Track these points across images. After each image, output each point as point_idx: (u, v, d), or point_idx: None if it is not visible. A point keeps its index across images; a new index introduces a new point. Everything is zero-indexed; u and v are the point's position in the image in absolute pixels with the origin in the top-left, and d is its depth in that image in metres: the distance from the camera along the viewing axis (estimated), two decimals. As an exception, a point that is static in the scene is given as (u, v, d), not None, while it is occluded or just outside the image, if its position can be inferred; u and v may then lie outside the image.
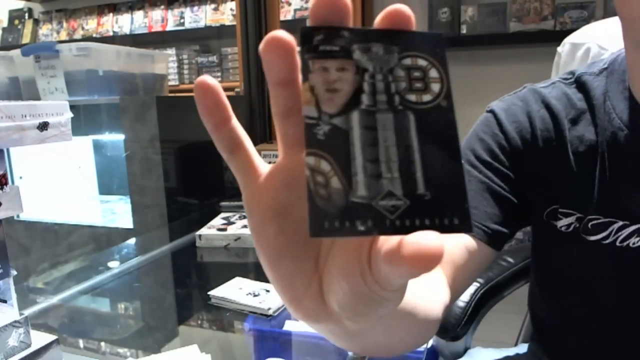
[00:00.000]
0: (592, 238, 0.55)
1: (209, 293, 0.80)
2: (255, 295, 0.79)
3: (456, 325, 0.77)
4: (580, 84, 0.58)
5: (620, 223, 0.54)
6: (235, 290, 0.81)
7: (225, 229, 1.10)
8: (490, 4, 2.03)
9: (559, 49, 0.92)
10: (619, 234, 0.54)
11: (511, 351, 0.78)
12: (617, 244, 0.54)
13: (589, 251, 0.56)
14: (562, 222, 0.57)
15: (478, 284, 0.82)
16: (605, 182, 0.54)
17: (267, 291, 0.80)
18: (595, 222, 0.55)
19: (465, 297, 0.80)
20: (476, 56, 2.10)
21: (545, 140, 0.57)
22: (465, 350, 0.80)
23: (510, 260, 0.87)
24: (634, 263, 0.54)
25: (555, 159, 0.57)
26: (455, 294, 0.54)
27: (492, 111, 0.60)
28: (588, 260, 0.57)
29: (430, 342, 0.67)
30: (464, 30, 2.06)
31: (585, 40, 0.86)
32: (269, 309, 0.74)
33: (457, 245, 0.53)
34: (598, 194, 0.55)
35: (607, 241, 0.54)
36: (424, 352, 0.63)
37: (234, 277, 0.86)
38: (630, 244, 0.53)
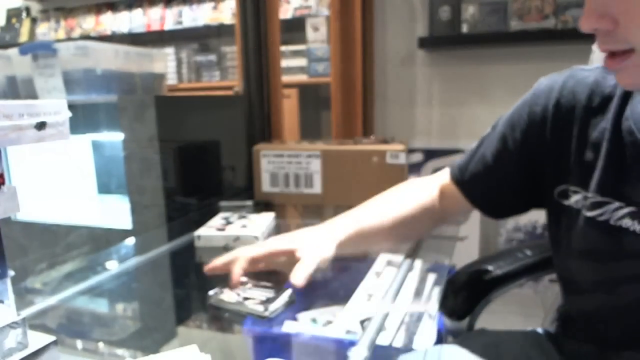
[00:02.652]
0: (589, 214, 0.59)
1: (207, 293, 0.80)
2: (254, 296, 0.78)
3: (463, 308, 0.81)
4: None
5: (617, 204, 0.57)
6: (234, 291, 0.80)
7: (224, 229, 1.10)
8: (491, 2, 2.03)
9: (594, 46, 0.93)
10: (614, 214, 0.57)
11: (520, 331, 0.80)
12: (611, 222, 0.57)
13: (584, 226, 0.60)
14: (572, 200, 0.62)
15: (487, 270, 0.84)
16: (609, 166, 0.58)
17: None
18: (592, 200, 0.59)
19: (472, 280, 0.83)
20: (477, 55, 2.10)
21: (568, 121, 0.62)
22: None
23: (528, 253, 0.89)
24: (626, 243, 0.56)
25: (573, 139, 0.61)
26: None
27: (535, 87, 0.67)
28: (584, 234, 0.60)
29: (436, 324, 0.68)
30: (464, 29, 2.06)
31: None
32: (268, 310, 0.74)
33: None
34: (600, 176, 0.59)
35: (602, 218, 0.58)
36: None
37: (233, 277, 0.86)
38: (623, 225, 0.56)
